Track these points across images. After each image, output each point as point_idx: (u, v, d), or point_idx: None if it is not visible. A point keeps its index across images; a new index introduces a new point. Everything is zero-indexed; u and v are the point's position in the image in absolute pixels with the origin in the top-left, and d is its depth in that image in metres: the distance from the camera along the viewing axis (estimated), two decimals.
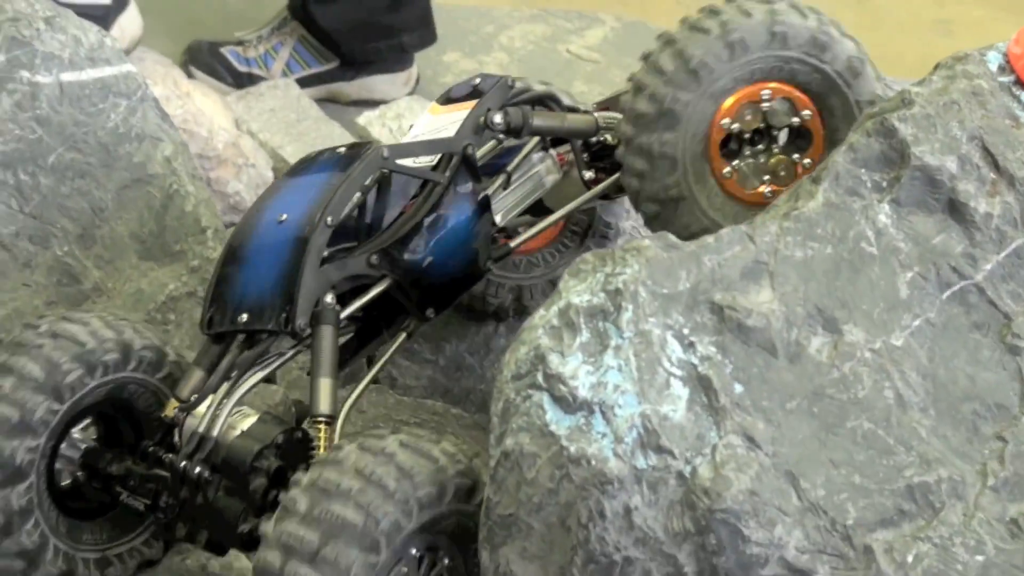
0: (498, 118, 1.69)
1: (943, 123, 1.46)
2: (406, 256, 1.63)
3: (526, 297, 1.87)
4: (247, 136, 2.80)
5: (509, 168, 1.75)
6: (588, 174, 1.76)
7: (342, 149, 1.65)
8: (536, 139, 1.77)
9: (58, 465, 1.58)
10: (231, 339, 1.57)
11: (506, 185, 1.75)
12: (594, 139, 1.75)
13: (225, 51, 3.01)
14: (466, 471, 1.44)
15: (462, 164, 1.67)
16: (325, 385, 1.54)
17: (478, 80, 1.74)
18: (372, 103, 2.99)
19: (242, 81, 2.94)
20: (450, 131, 1.69)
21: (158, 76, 2.69)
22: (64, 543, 1.58)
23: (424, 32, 3.02)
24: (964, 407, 1.39)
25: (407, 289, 1.64)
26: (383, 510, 1.38)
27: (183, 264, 1.82)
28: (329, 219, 1.56)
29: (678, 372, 1.34)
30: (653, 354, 1.34)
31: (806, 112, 1.66)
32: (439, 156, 1.67)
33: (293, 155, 2.84)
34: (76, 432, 1.60)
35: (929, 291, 1.42)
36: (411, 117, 2.84)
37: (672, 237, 1.40)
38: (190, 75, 2.89)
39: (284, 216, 1.59)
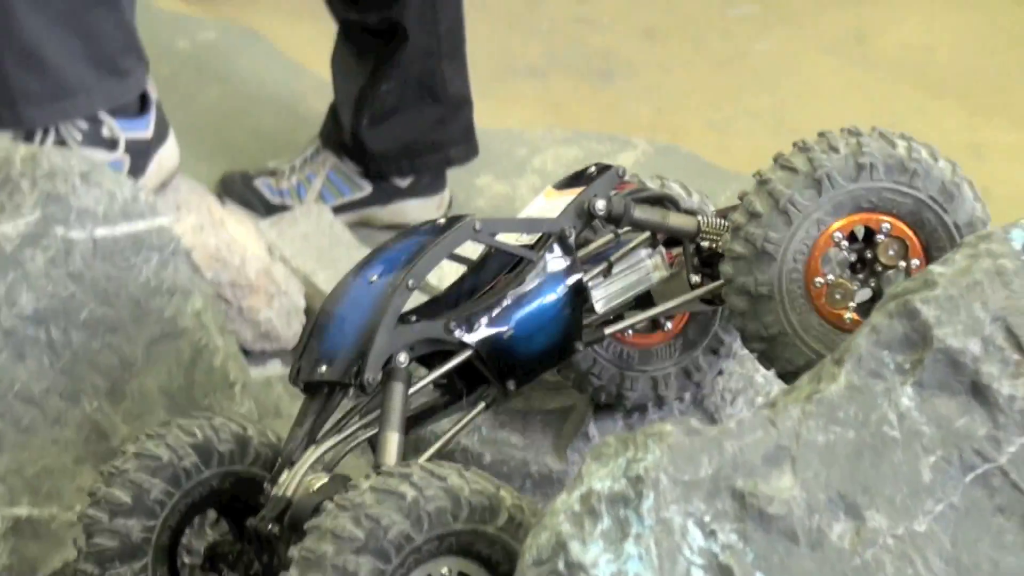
0: (600, 204, 1.74)
1: (966, 304, 1.47)
2: (486, 327, 1.68)
3: (661, 388, 1.90)
4: (279, 263, 2.82)
5: (612, 258, 1.79)
6: (695, 278, 1.78)
7: (442, 220, 1.73)
8: (646, 234, 1.80)
9: (183, 554, 1.67)
10: (319, 393, 1.65)
11: (607, 273, 1.78)
12: (705, 244, 1.78)
13: (258, 183, 3.04)
14: (483, 491, 1.48)
15: (558, 245, 1.72)
16: (391, 439, 1.60)
17: (593, 168, 1.79)
18: (405, 227, 3.01)
19: (275, 213, 2.97)
20: (555, 213, 1.74)
21: (192, 204, 2.72)
22: None
23: (468, 146, 3.06)
24: None
25: (486, 359, 1.69)
26: (391, 519, 1.43)
27: None
28: (411, 282, 1.64)
29: (699, 560, 1.34)
30: (674, 542, 1.34)
31: (915, 260, 1.70)
32: (539, 236, 1.73)
33: (325, 282, 2.86)
34: (203, 526, 1.70)
35: (952, 475, 1.42)
36: None
37: (694, 422, 1.40)
38: (224, 205, 2.92)
39: (375, 277, 1.67)
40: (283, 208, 3.02)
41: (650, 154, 3.21)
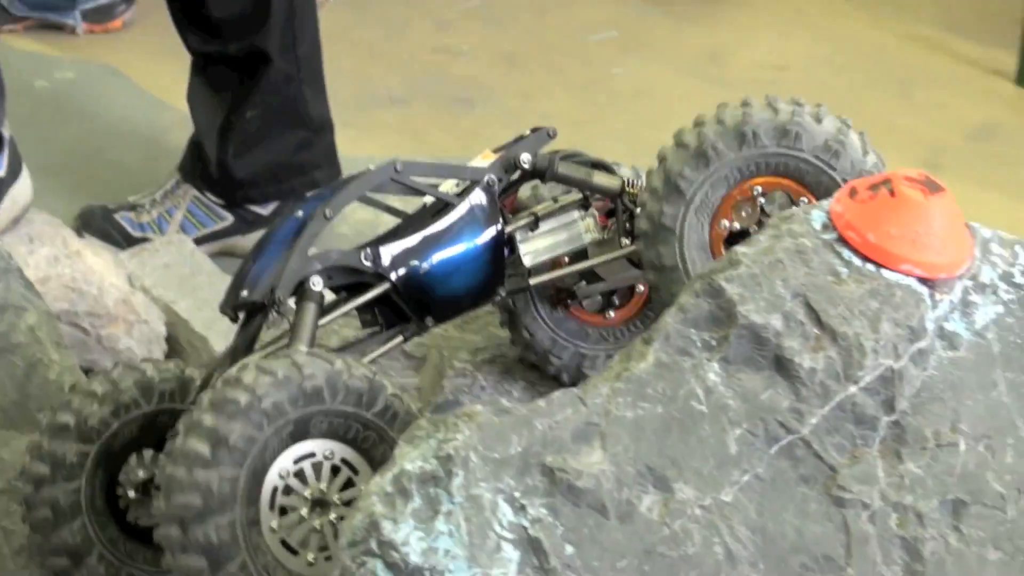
0: (525, 157, 1.80)
1: (768, 282, 1.51)
2: (401, 259, 1.73)
3: (587, 366, 1.93)
4: (140, 292, 2.82)
5: (540, 213, 1.83)
6: (625, 240, 1.83)
7: (371, 167, 1.79)
8: (577, 195, 1.85)
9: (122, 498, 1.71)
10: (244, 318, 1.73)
11: (533, 227, 1.82)
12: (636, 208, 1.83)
13: (118, 217, 3.05)
14: (362, 378, 1.55)
15: (482, 192, 1.77)
16: (299, 351, 1.65)
17: (528, 132, 1.84)
18: None
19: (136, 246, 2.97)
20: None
21: (47, 237, 2.72)
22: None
23: (332, 169, 3.08)
24: (792, 560, 1.42)
25: (403, 293, 1.74)
26: (266, 390, 1.51)
27: None
28: (327, 212, 1.71)
29: (509, 535, 1.37)
30: (484, 518, 1.37)
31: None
32: (467, 184, 1.79)
33: (187, 310, 2.86)
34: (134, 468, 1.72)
35: (757, 447, 1.46)
36: None
37: (504, 402, 1.43)
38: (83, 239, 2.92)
39: (300, 213, 1.73)
40: (144, 241, 3.02)
41: None
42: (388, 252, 1.73)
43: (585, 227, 1.84)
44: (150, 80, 3.54)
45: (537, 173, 1.81)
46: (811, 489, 1.45)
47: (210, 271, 2.95)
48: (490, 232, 1.78)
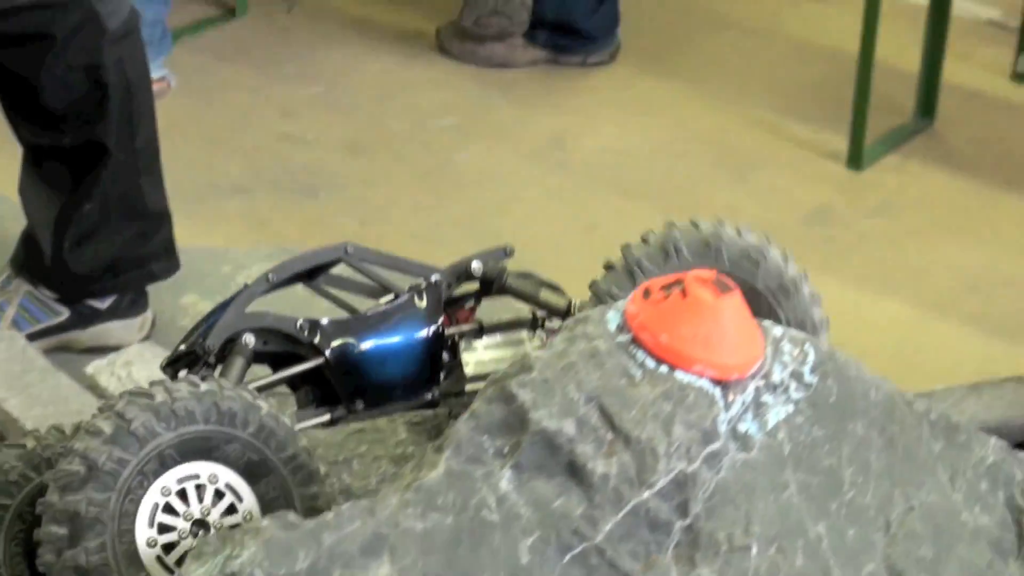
0: (476, 265, 1.85)
1: (561, 386, 1.50)
2: (336, 336, 1.77)
3: None
4: None
5: (486, 323, 1.86)
6: None
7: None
8: (528, 314, 1.87)
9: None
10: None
11: (479, 334, 1.85)
12: None
13: None
14: (234, 398, 1.54)
15: (427, 291, 1.81)
16: None
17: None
18: (108, 349, 2.98)
19: None
20: None
21: None
22: None
23: (170, 261, 3.05)
24: None
25: (334, 369, 1.76)
26: (136, 415, 1.51)
27: None
28: (271, 276, 1.78)
29: None
30: None
31: None
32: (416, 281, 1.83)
33: (17, 408, 2.80)
34: None
35: (550, 555, 1.45)
36: (141, 364, 2.82)
37: (292, 516, 1.41)
38: None
39: (249, 282, 1.78)
40: None
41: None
42: (324, 327, 1.76)
43: (533, 347, 1.85)
44: None
45: (486, 283, 1.85)
46: None
47: (43, 367, 2.89)
48: (429, 329, 1.81)
